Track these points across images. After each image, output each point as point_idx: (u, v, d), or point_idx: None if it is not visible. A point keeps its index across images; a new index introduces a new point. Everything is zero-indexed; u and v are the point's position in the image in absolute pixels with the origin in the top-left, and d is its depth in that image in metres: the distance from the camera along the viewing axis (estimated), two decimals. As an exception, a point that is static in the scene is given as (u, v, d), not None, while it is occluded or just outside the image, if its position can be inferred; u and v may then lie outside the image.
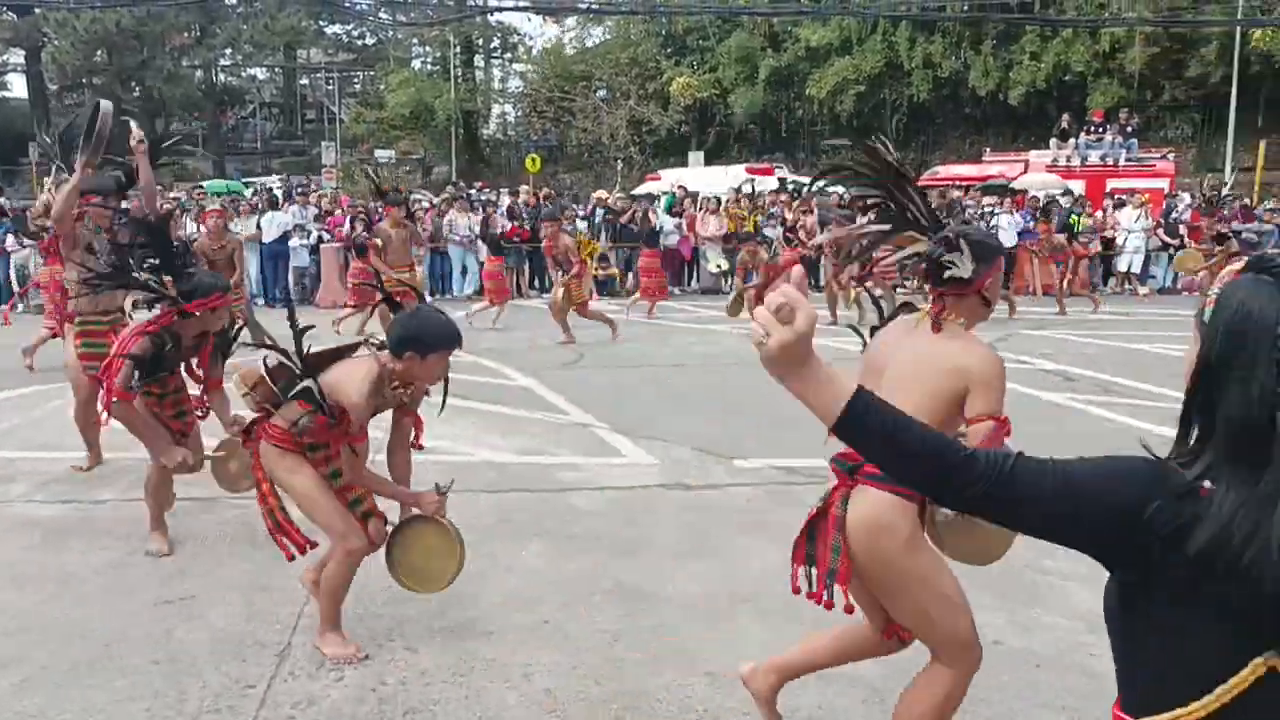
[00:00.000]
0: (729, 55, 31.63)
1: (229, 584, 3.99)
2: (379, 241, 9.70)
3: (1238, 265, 1.25)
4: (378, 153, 34.27)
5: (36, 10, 31.92)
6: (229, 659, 3.34)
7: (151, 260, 4.07)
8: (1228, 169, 23.32)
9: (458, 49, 36.22)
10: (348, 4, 37.04)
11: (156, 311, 4.16)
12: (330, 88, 43.05)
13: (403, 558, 3.38)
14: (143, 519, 4.62)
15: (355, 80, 44.53)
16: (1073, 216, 15.82)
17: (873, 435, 1.26)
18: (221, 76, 41.10)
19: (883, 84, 29.38)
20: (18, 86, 38.19)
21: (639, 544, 4.47)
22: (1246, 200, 18.34)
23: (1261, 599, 1.09)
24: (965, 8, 27.13)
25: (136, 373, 4.02)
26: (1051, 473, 1.22)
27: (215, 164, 36.98)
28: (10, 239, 14.01)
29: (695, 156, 28.09)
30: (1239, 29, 23.41)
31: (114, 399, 4.02)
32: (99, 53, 33.96)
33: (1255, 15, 23.91)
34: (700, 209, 16.69)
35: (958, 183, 20.98)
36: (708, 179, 21.48)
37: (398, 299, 3.58)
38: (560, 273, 10.48)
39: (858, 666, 3.26)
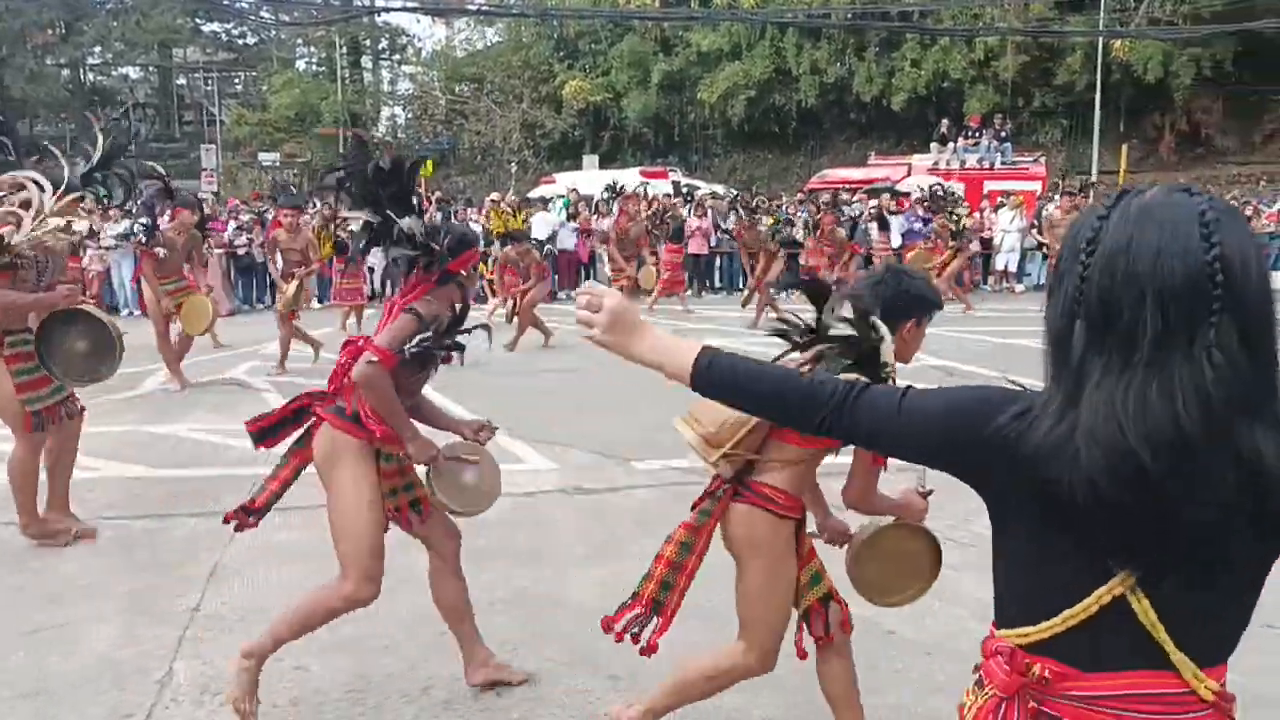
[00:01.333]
0: (621, 59, 31.78)
1: (106, 609, 3.78)
2: (160, 252, 8.15)
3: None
4: (261, 156, 33.18)
5: (-120, 2, 29.82)
6: (107, 688, 3.17)
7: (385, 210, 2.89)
8: (1094, 171, 24.65)
9: (344, 50, 35.36)
10: (226, 2, 35.77)
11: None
12: (209, 88, 41.43)
13: (867, 567, 2.74)
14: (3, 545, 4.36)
15: (236, 81, 42.98)
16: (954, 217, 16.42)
17: (724, 382, 1.38)
18: (91, 76, 39.11)
19: (772, 89, 29.98)
20: None
21: (539, 551, 4.44)
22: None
23: (1092, 513, 1.10)
24: (849, 16, 27.92)
25: (419, 338, 2.87)
26: (901, 400, 1.27)
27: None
28: None
29: (589, 160, 28.13)
30: (1101, 40, 24.78)
31: (373, 356, 2.80)
32: (-48, 49, 31.94)
33: (1115, 27, 25.35)
34: (594, 212, 16.72)
35: (846, 185, 21.57)
36: (602, 182, 21.52)
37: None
38: (280, 270, 9.11)
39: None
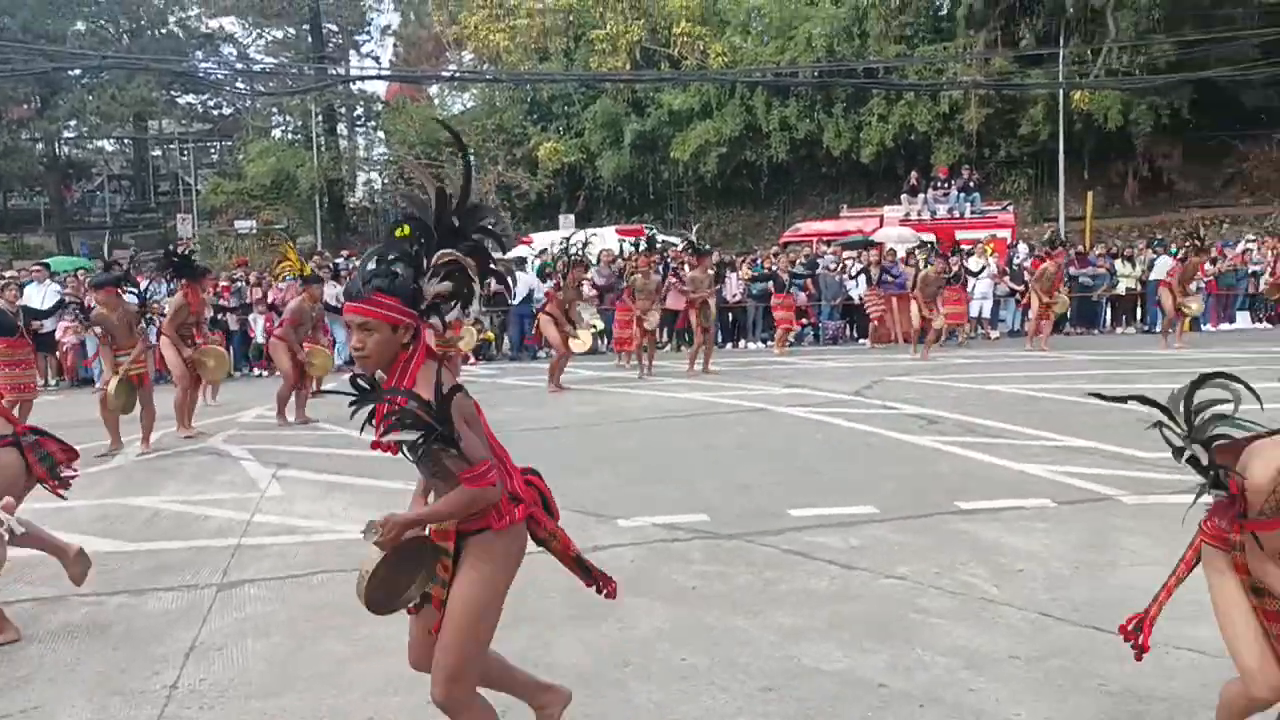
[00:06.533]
0: (594, 120, 32.28)
1: (76, 691, 3.68)
2: (98, 330, 8.28)
3: None
4: (238, 224, 33.23)
5: None
6: (79, 773, 3.07)
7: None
8: (1061, 218, 25.12)
9: (319, 117, 35.71)
10: (202, 75, 36.12)
11: None
12: (185, 158, 41.61)
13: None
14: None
15: (212, 150, 43.22)
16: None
17: None
18: (65, 149, 39.21)
19: (743, 145, 30.49)
20: None
21: (521, 612, 4.36)
22: (1080, 247, 19.76)
23: None
24: (816, 74, 28.55)
25: None
26: None
27: (60, 239, 35.07)
28: None
29: (565, 220, 28.35)
30: (1062, 91, 25.42)
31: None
32: (-73, 125, 32.00)
33: (1075, 78, 26.04)
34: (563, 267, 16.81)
35: (820, 238, 21.86)
36: (578, 241, 21.66)
37: None
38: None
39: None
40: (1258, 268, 17.82)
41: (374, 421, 2.65)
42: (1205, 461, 2.50)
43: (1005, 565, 4.77)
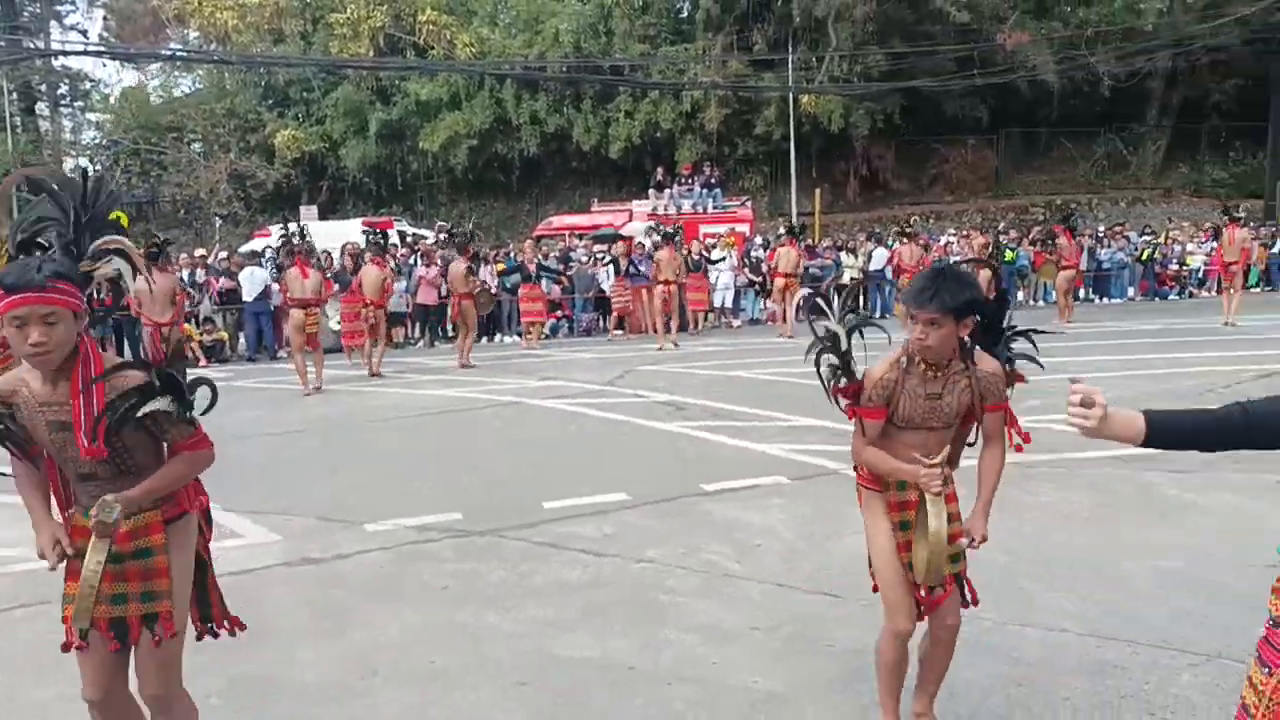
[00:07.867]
0: (336, 109, 30.85)
1: None
2: None
3: None
4: (-89, 214, 28.83)
5: None
6: None
7: None
8: (793, 213, 26.92)
9: (13, 95, 31.71)
10: None
11: None
12: None
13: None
14: None
15: (-127, 129, 37.25)
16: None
17: (1170, 436, 1.91)
18: None
19: (494, 138, 30.24)
20: None
21: (261, 631, 4.07)
22: (809, 241, 21.25)
23: None
24: (564, 69, 28.81)
25: None
26: None
27: None
28: None
29: (308, 211, 26.90)
30: (791, 94, 27.22)
31: None
32: None
33: (802, 83, 27.95)
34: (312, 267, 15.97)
35: (572, 231, 22.09)
36: (323, 233, 20.66)
37: None
38: None
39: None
40: (957, 258, 19.94)
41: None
42: (844, 345, 2.90)
43: (745, 541, 5.04)
